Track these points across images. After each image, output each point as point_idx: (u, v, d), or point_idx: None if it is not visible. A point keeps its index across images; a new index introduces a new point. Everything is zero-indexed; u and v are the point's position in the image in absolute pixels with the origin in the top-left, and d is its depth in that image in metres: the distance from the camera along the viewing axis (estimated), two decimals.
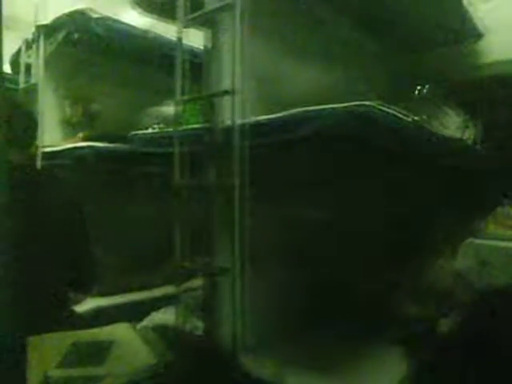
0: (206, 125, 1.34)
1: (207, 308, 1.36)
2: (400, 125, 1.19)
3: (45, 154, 2.02)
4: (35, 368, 1.04)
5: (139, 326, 1.51)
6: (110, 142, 1.96)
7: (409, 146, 1.33)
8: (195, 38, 1.46)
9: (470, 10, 1.89)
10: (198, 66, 1.40)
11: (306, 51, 1.61)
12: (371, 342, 1.42)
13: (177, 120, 1.39)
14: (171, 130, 1.44)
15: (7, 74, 2.28)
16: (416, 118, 1.26)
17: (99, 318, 1.75)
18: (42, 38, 2.07)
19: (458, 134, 1.99)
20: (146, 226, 2.20)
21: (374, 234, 1.78)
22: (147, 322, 1.57)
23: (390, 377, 1.22)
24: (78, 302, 1.60)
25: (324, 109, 1.11)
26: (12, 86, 2.20)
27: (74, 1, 2.01)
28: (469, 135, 2.05)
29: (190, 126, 1.41)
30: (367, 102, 1.06)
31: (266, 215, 1.36)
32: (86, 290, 1.63)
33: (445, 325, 1.37)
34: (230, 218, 1.23)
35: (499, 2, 2.01)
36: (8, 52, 2.20)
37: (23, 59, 2.20)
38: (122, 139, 1.85)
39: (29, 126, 1.49)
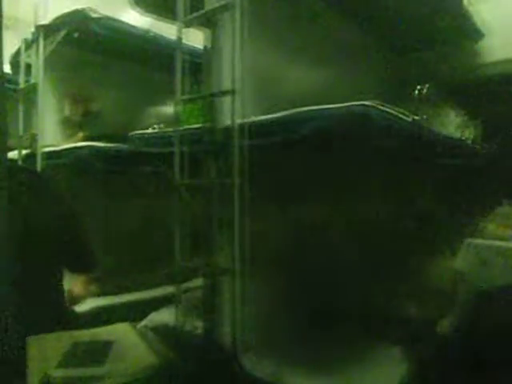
0: (206, 125, 1.34)
1: (207, 308, 1.35)
2: (399, 124, 1.18)
3: (44, 153, 2.02)
4: (35, 368, 1.04)
5: (139, 325, 1.51)
6: (109, 141, 1.96)
7: (408, 144, 1.33)
8: (195, 38, 1.46)
9: (470, 9, 1.89)
10: (199, 65, 1.40)
11: (305, 51, 1.61)
12: None
13: (177, 120, 1.39)
14: (171, 129, 1.43)
15: (7, 73, 2.27)
16: (416, 117, 1.25)
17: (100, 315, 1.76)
18: (41, 37, 2.07)
19: (457, 134, 1.99)
20: (143, 225, 2.21)
21: (370, 233, 1.78)
22: (147, 321, 1.57)
23: None
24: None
25: (324, 108, 1.11)
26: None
27: (74, 1, 2.00)
28: (469, 134, 2.05)
29: (190, 126, 1.40)
30: (367, 102, 1.05)
31: (265, 214, 1.37)
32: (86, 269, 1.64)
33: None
34: (230, 217, 1.23)
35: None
36: (8, 52, 2.20)
37: (23, 59, 2.20)
38: (122, 139, 1.84)
39: None
